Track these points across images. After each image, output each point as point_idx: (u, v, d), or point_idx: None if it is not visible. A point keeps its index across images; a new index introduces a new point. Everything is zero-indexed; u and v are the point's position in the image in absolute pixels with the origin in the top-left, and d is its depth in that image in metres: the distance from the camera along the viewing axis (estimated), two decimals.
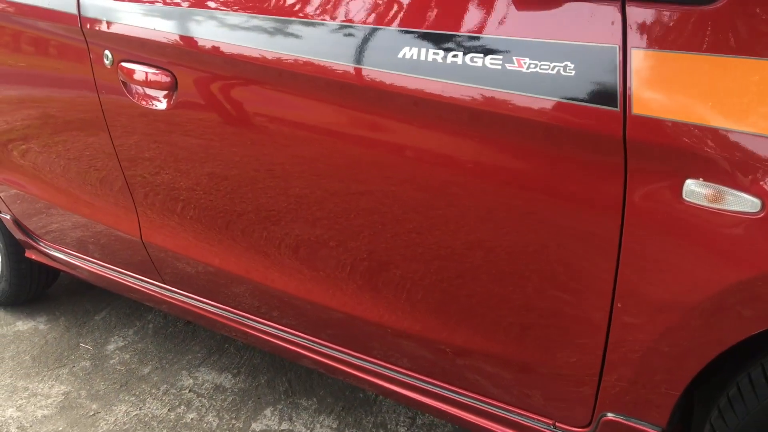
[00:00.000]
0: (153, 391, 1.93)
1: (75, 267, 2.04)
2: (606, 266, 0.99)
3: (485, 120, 1.02)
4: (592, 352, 1.07)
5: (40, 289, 2.39)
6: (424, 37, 1.04)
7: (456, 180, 1.09)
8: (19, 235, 2.13)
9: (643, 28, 0.89)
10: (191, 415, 1.82)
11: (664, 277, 0.95)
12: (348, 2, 1.12)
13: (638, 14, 0.89)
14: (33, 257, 2.17)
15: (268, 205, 1.37)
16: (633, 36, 0.89)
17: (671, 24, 0.87)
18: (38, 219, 2.03)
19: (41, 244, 2.10)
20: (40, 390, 1.97)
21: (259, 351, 2.06)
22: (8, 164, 1.95)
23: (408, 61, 1.06)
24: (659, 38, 0.88)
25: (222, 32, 1.28)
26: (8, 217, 2.10)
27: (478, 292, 1.16)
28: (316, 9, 1.16)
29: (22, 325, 2.31)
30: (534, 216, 1.04)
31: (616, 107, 0.90)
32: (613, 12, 0.90)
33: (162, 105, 1.41)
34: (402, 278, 1.26)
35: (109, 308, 2.37)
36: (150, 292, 1.85)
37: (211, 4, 1.30)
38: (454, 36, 1.02)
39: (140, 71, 1.43)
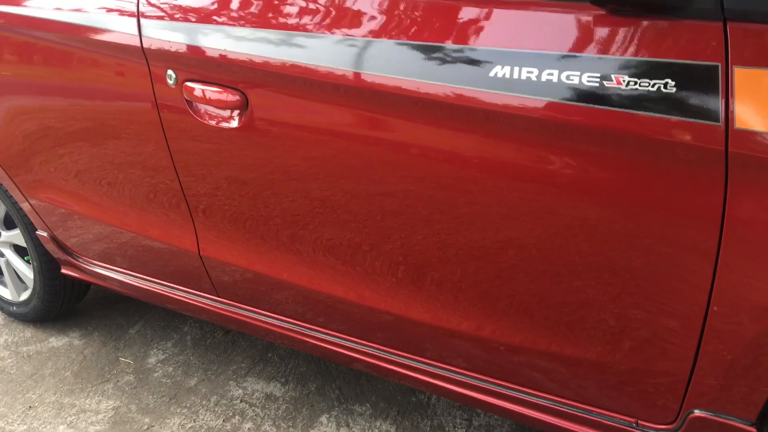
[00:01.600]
0: (204, 402, 1.95)
1: (117, 282, 2.05)
2: (704, 271, 1.05)
3: (582, 135, 1.06)
4: (684, 352, 1.13)
5: (71, 305, 2.39)
6: (518, 56, 1.08)
7: (553, 195, 1.13)
8: (56, 253, 2.13)
9: (744, 46, 0.94)
10: (247, 425, 1.84)
11: (760, 283, 1.00)
12: (419, 22, 1.16)
13: (740, 33, 0.94)
14: (69, 273, 2.17)
15: (329, 219, 1.41)
16: (735, 54, 0.94)
17: None
18: (79, 235, 2.03)
19: (80, 260, 2.10)
20: (88, 406, 1.98)
21: (304, 358, 2.09)
22: (51, 182, 1.95)
23: (501, 79, 1.10)
24: (761, 56, 0.93)
25: (294, 52, 1.30)
26: (45, 234, 2.10)
27: (559, 294, 1.21)
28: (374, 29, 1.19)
29: (56, 342, 2.31)
30: (630, 224, 1.09)
31: (719, 122, 0.96)
32: (715, 31, 0.95)
33: (231, 124, 1.43)
34: (442, 280, 1.32)
35: (142, 321, 2.37)
36: (201, 304, 1.86)
37: (280, 23, 1.33)
38: (548, 55, 1.06)
39: (208, 90, 1.45)
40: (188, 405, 1.94)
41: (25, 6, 1.74)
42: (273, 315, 1.74)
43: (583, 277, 1.18)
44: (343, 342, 1.65)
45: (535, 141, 1.12)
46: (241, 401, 1.94)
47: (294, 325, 1.71)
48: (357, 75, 1.23)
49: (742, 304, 1.04)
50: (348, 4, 1.27)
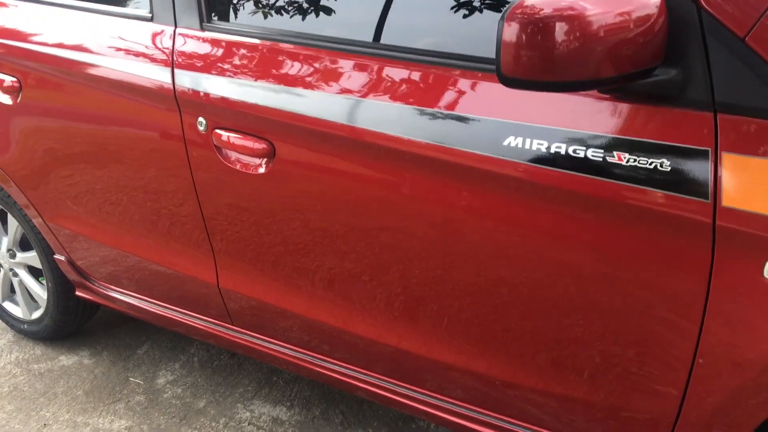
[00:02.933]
0: (213, 424, 2.05)
1: (130, 305, 2.15)
2: (690, 328, 1.18)
3: (581, 200, 1.19)
4: (670, 400, 1.26)
5: (81, 324, 2.48)
6: (530, 129, 1.21)
7: (555, 255, 1.27)
8: (72, 275, 2.22)
9: (732, 135, 1.07)
10: None
11: (744, 339, 1.14)
12: (438, 93, 1.29)
13: (729, 123, 1.07)
14: (83, 296, 2.26)
15: (344, 255, 1.53)
16: (724, 141, 1.08)
17: (758, 134, 1.06)
18: (95, 260, 2.13)
19: (96, 283, 2.20)
20: (101, 425, 2.07)
21: (309, 383, 2.20)
22: (71, 208, 2.05)
23: (512, 148, 1.23)
24: (747, 145, 1.06)
25: (318, 107, 1.43)
26: (63, 258, 2.20)
27: (549, 332, 1.34)
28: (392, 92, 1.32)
29: (66, 360, 2.39)
30: (622, 280, 1.22)
31: (708, 199, 1.09)
32: (706, 120, 1.09)
33: (258, 170, 1.55)
34: (439, 313, 1.45)
35: (150, 342, 2.47)
36: (212, 330, 1.97)
37: (307, 81, 1.45)
38: (557, 130, 1.19)
39: (237, 138, 1.56)
40: (198, 426, 2.04)
41: (61, 48, 1.84)
42: (280, 342, 1.85)
43: (571, 317, 1.31)
44: (346, 371, 1.76)
45: (534, 201, 1.25)
46: (249, 424, 2.04)
47: (300, 352, 1.83)
48: (373, 133, 1.36)
49: (726, 358, 1.17)
50: (362, 70, 1.40)
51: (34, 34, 1.93)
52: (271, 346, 1.87)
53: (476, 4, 1.33)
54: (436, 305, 1.47)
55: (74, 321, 2.41)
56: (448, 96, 1.30)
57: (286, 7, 1.56)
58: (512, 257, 1.32)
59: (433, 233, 1.38)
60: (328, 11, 1.51)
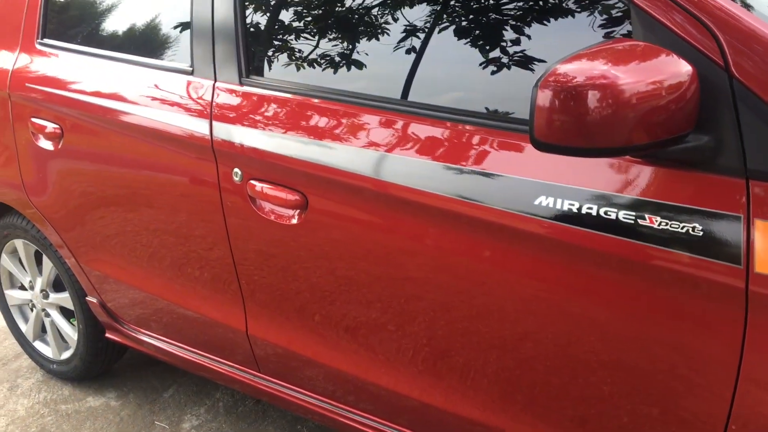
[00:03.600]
0: None
1: (158, 349, 2.17)
2: (724, 393, 1.17)
3: (610, 262, 1.20)
4: None
5: (109, 366, 2.50)
6: (561, 189, 1.23)
7: (575, 301, 1.27)
8: (103, 317, 2.26)
9: (765, 202, 1.08)
10: None
11: None
12: (469, 150, 1.32)
13: (761, 190, 1.08)
14: (113, 338, 2.30)
15: (374, 305, 1.54)
16: (756, 208, 1.08)
17: None
18: (126, 303, 2.16)
19: (126, 326, 2.23)
20: None
21: None
22: (104, 252, 2.09)
23: (544, 207, 1.24)
24: None
25: (347, 159, 1.46)
26: (95, 300, 2.23)
27: (576, 388, 1.33)
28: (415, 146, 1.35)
29: (93, 401, 2.41)
30: (649, 341, 1.22)
31: (740, 265, 1.09)
32: (738, 186, 1.09)
33: (290, 221, 1.58)
34: (465, 367, 1.45)
35: (176, 385, 2.48)
36: (238, 376, 1.98)
37: (337, 134, 1.49)
38: (589, 192, 1.20)
39: (271, 189, 1.59)
40: None
41: (103, 97, 1.90)
42: (305, 391, 1.85)
43: (598, 375, 1.30)
44: (370, 422, 1.76)
45: (562, 258, 1.25)
46: None
47: (325, 402, 1.83)
48: (400, 187, 1.39)
49: (758, 423, 1.16)
50: (389, 125, 1.43)
51: (77, 84, 2.00)
52: (297, 395, 1.88)
53: (503, 61, 1.36)
54: (461, 358, 1.47)
55: (103, 362, 2.44)
56: (477, 153, 1.33)
57: (319, 63, 1.60)
58: (538, 313, 1.32)
59: (458, 286, 1.40)
60: (359, 66, 1.55)
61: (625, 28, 1.25)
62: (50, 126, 2.05)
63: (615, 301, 1.23)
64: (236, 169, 1.65)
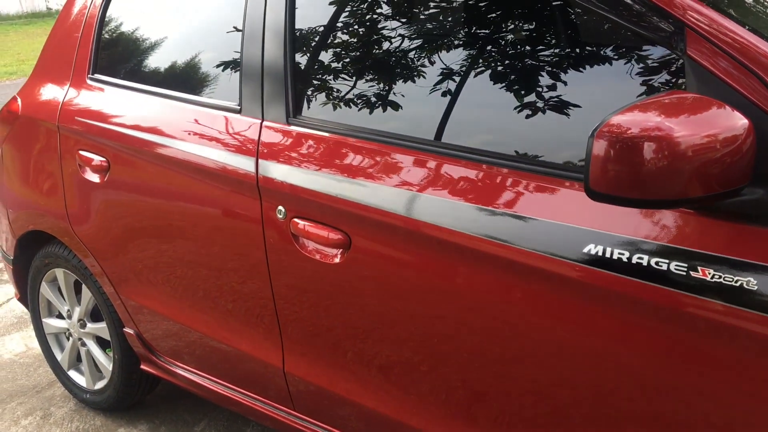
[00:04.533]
0: None
1: (192, 382, 2.17)
2: None
3: (658, 313, 1.18)
4: None
5: (141, 397, 2.51)
6: (612, 238, 1.22)
7: (614, 348, 1.25)
8: (139, 349, 2.27)
9: None
10: None
11: None
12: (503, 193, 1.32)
13: None
14: (148, 370, 2.31)
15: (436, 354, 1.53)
16: None
17: None
18: (162, 336, 2.18)
19: (161, 359, 2.24)
20: None
21: None
22: (143, 284, 2.11)
23: (589, 255, 1.24)
24: None
25: (396, 202, 1.46)
26: (132, 332, 2.25)
27: None
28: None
29: None
30: (692, 391, 1.20)
31: None
32: None
33: (333, 260, 1.58)
34: (500, 411, 1.43)
35: (206, 419, 2.48)
36: (271, 413, 1.97)
37: (385, 176, 1.50)
38: (641, 242, 1.20)
39: (314, 229, 1.61)
40: None
41: (150, 133, 1.94)
42: (339, 431, 1.84)
43: (637, 425, 1.27)
44: None
45: (604, 307, 1.24)
46: None
47: None
48: (437, 228, 1.40)
49: None
50: (422, 165, 1.45)
51: (125, 118, 2.05)
52: None
53: (539, 106, 1.37)
54: (495, 403, 1.46)
55: (136, 393, 2.45)
56: (527, 198, 1.33)
57: (365, 103, 1.62)
58: (575, 359, 1.31)
59: (494, 329, 1.39)
60: (405, 107, 1.57)
61: (663, 77, 1.26)
62: (97, 159, 2.10)
63: (658, 351, 1.21)
64: (280, 207, 1.66)
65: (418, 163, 1.47)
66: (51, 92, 2.31)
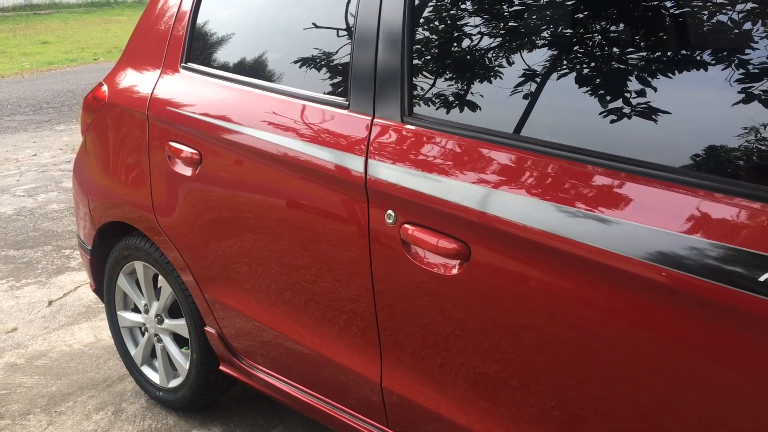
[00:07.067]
0: None
1: (275, 388, 2.08)
2: None
3: None
4: None
5: (216, 398, 2.43)
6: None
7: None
8: (220, 350, 2.19)
9: None
10: None
11: None
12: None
13: None
14: (227, 371, 2.22)
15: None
16: None
17: None
18: (247, 338, 2.09)
19: (243, 362, 2.15)
20: None
21: None
22: (231, 283, 2.03)
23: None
24: None
25: (525, 213, 1.33)
26: (213, 331, 2.17)
27: None
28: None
29: None
30: None
31: None
32: None
33: (449, 271, 1.46)
34: None
35: (282, 425, 2.39)
36: (360, 427, 1.86)
37: (512, 183, 1.37)
38: None
39: (429, 236, 1.49)
40: None
41: (247, 126, 1.85)
42: None
43: None
44: None
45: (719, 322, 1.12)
46: None
47: None
48: (576, 244, 1.27)
49: None
50: (581, 179, 1.30)
51: (220, 110, 1.96)
52: None
53: None
54: (592, 426, 1.33)
55: (212, 394, 2.37)
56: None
57: (491, 103, 1.50)
58: (678, 377, 1.19)
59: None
60: (536, 109, 1.43)
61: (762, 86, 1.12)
62: (188, 150, 2.01)
63: None
64: (390, 211, 1.55)
65: (556, 171, 1.33)
66: (140, 80, 2.24)
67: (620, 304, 1.24)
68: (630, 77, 1.29)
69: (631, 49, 1.32)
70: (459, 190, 1.43)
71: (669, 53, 1.30)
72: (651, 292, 1.20)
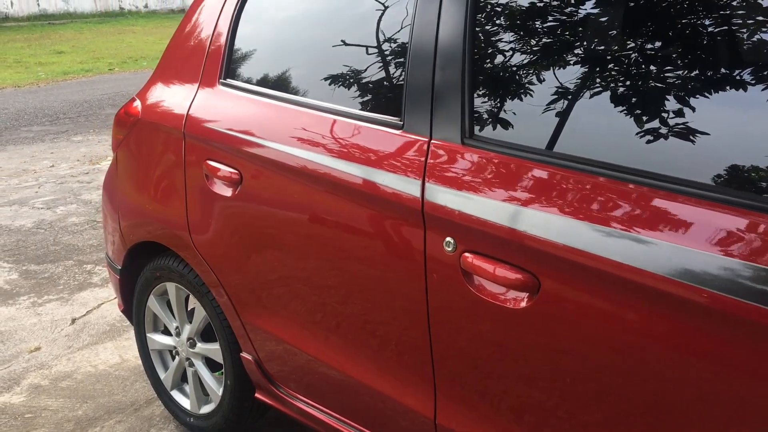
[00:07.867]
0: None
1: (314, 419, 1.99)
2: None
3: None
4: None
5: (249, 425, 2.34)
6: None
7: None
8: (256, 377, 2.10)
9: None
10: None
11: None
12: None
13: None
14: (263, 399, 2.13)
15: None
16: None
17: None
18: (286, 366, 2.00)
19: (282, 390, 2.06)
20: None
21: None
22: (271, 309, 1.94)
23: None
24: None
25: (603, 245, 1.24)
26: (250, 357, 2.08)
27: None
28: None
29: None
30: None
31: None
32: None
33: (516, 304, 1.37)
34: None
35: None
36: None
37: (583, 211, 1.28)
38: None
39: (492, 266, 1.40)
40: None
41: (292, 146, 1.77)
42: None
43: None
44: None
45: None
46: None
47: None
48: (656, 277, 1.17)
49: None
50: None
51: (262, 129, 1.88)
52: None
53: None
54: None
55: (246, 422, 2.28)
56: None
57: (557, 124, 1.41)
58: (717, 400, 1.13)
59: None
60: (609, 130, 1.35)
61: None
62: (227, 170, 1.93)
63: None
64: (449, 239, 1.46)
65: (631, 198, 1.24)
66: (176, 96, 2.17)
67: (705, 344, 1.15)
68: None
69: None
70: (526, 218, 1.34)
71: (709, 72, 1.25)
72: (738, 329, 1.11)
